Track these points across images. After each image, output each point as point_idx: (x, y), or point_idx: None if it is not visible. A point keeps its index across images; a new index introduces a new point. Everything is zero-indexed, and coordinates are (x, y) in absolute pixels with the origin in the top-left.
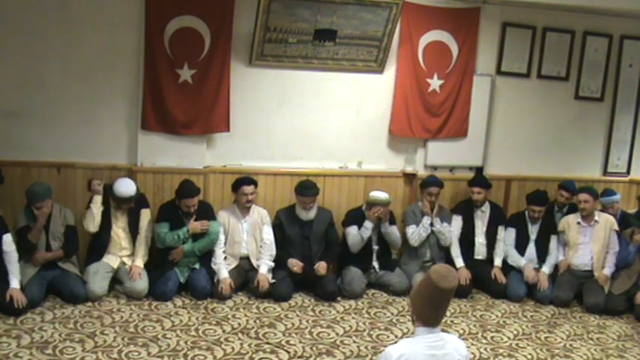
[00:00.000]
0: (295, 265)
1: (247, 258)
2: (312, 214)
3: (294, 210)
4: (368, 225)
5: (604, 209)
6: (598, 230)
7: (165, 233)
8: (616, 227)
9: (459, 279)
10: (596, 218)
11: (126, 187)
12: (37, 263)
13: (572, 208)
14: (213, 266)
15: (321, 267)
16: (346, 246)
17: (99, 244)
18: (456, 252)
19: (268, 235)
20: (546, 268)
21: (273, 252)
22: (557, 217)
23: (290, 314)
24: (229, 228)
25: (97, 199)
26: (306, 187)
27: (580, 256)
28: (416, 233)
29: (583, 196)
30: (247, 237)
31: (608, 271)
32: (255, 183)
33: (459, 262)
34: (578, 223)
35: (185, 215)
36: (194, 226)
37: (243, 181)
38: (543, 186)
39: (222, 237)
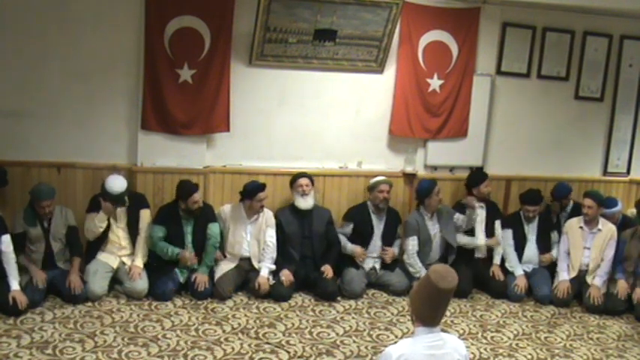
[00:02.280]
0: (287, 277)
1: (248, 259)
2: (310, 201)
3: (292, 207)
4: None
5: (604, 217)
6: (598, 238)
7: (159, 237)
8: (615, 237)
9: (458, 279)
10: (599, 227)
11: (114, 183)
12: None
13: (577, 209)
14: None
15: (328, 272)
16: None
17: (97, 242)
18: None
19: (271, 237)
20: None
21: (275, 254)
22: (562, 220)
23: (290, 314)
24: (232, 228)
25: (104, 217)
26: (301, 173)
27: (580, 258)
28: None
29: (587, 202)
30: (250, 239)
31: (598, 280)
32: (265, 186)
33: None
34: (581, 227)
35: (186, 217)
36: (184, 257)
37: (257, 188)
38: (543, 186)
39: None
